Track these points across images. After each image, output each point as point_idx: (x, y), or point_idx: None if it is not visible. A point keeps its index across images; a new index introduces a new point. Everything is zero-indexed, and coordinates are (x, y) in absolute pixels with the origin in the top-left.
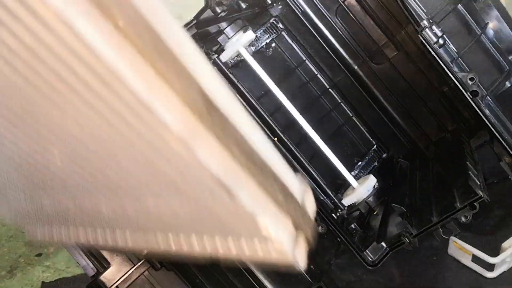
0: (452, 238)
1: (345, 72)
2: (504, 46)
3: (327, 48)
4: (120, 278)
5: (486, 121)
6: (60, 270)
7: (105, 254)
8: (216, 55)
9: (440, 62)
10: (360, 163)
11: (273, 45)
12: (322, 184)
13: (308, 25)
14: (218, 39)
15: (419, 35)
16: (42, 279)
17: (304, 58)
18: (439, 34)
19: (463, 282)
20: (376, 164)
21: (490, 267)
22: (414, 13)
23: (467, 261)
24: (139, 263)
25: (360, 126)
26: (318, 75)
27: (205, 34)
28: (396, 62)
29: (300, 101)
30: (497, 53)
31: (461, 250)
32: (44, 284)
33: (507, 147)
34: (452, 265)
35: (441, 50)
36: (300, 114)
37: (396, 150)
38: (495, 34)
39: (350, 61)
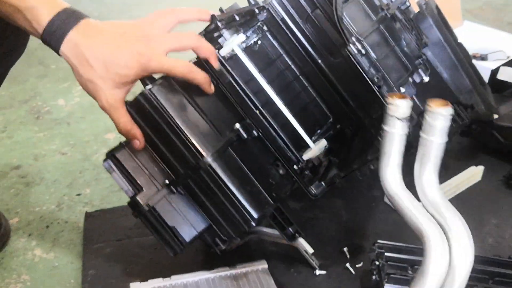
0: None
1: (311, 64)
2: (413, 54)
3: (298, 46)
4: (149, 198)
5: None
6: (96, 206)
7: (138, 180)
8: (217, 51)
9: (359, 67)
10: (319, 131)
11: (259, 42)
12: (290, 145)
13: (285, 28)
14: (218, 40)
15: (346, 49)
16: (84, 211)
17: (282, 53)
18: (360, 47)
19: (392, 221)
20: (331, 132)
21: None
22: (346, 31)
23: None
24: (162, 188)
25: (321, 104)
26: (292, 66)
27: (210, 38)
28: (348, 57)
29: (277, 84)
30: (405, 59)
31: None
32: (87, 213)
33: None
34: (386, 209)
35: (363, 58)
36: (276, 94)
37: (347, 123)
38: (407, 45)
39: (315, 55)
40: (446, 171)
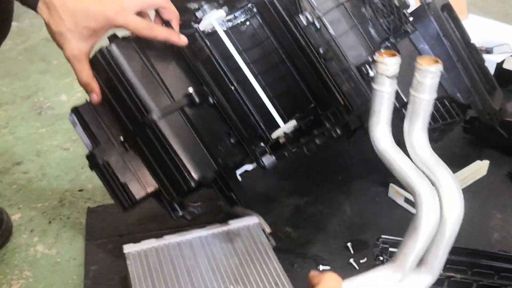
0: (391, 184)
1: (297, 49)
2: (380, 36)
3: (285, 29)
4: (105, 153)
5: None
6: (98, 201)
7: (97, 135)
8: (197, 25)
9: (306, 38)
10: (298, 115)
11: (247, 23)
12: (260, 123)
13: (273, 11)
14: (196, 13)
15: (294, 19)
16: (86, 207)
17: (269, 35)
18: (311, 18)
19: (397, 216)
20: (311, 117)
21: None
22: (301, 5)
23: (401, 201)
24: (118, 145)
25: (305, 89)
26: (278, 49)
27: (184, 8)
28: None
29: (261, 65)
30: (367, 38)
31: (397, 193)
32: (90, 209)
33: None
34: (390, 204)
35: (318, 33)
36: (257, 74)
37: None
38: (373, 26)
39: (301, 40)
40: (451, 166)
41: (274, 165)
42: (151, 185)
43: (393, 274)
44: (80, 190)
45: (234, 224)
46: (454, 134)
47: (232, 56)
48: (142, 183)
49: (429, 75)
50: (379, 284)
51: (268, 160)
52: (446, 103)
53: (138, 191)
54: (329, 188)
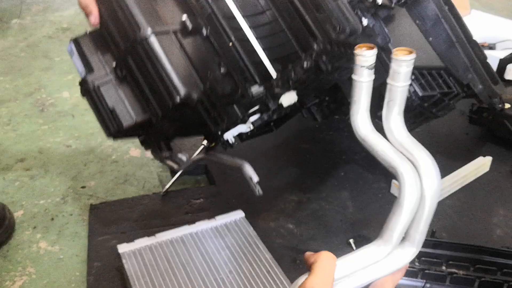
0: (393, 180)
1: (298, 20)
2: None
3: (288, 2)
4: (96, 79)
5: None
6: (101, 198)
7: (91, 63)
8: None
9: None
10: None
11: None
12: (255, 76)
13: None
14: None
15: None
16: (89, 203)
17: (271, 6)
18: None
19: None
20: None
21: None
22: None
23: None
24: (109, 72)
25: (299, 52)
26: (279, 19)
27: None
28: None
29: (261, 31)
30: None
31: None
32: (92, 205)
33: None
34: (392, 201)
35: None
36: (258, 38)
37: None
38: None
39: (302, 10)
40: (454, 162)
41: (261, 95)
42: (138, 115)
43: (381, 249)
44: (83, 187)
45: (221, 220)
46: (457, 130)
47: (233, 17)
48: (130, 112)
49: (404, 63)
50: (369, 259)
51: (256, 89)
52: (444, 74)
53: (126, 119)
54: (331, 184)
